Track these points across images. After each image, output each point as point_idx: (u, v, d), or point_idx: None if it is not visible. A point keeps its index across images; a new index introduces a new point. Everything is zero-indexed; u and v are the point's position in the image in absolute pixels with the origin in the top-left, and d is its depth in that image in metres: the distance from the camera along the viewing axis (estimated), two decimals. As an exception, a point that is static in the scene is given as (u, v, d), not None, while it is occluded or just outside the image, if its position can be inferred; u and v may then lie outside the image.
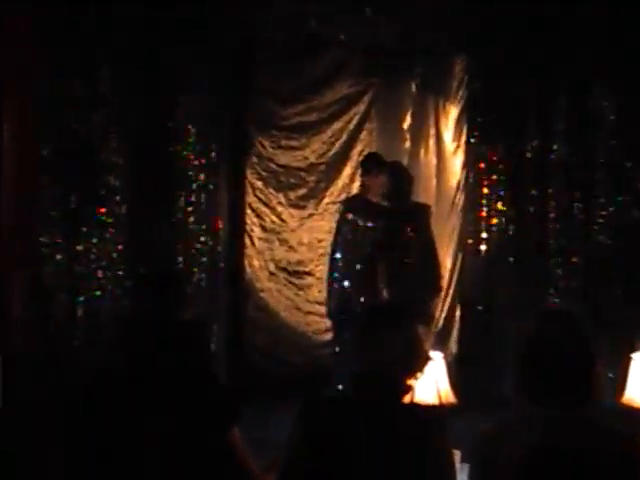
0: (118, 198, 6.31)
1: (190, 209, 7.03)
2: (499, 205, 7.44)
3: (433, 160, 8.00)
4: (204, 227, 7.15)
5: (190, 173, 7.04)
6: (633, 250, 7.07)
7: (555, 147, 7.25)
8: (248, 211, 7.96)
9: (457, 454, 3.36)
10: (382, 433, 2.78)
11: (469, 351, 7.45)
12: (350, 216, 6.72)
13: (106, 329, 5.93)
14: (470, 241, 7.59)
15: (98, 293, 6.14)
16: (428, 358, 3.04)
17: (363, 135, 8.09)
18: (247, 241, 7.98)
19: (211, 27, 6.77)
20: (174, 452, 3.18)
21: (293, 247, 8.05)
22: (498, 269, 7.41)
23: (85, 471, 3.23)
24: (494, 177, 7.43)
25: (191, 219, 7.04)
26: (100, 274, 6.18)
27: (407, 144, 8.04)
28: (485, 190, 7.47)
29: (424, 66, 7.93)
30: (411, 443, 2.78)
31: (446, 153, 7.96)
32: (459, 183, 7.82)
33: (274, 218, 8.01)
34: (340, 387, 6.20)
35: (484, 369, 6.93)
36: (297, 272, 8.06)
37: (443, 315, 7.76)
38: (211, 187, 7.24)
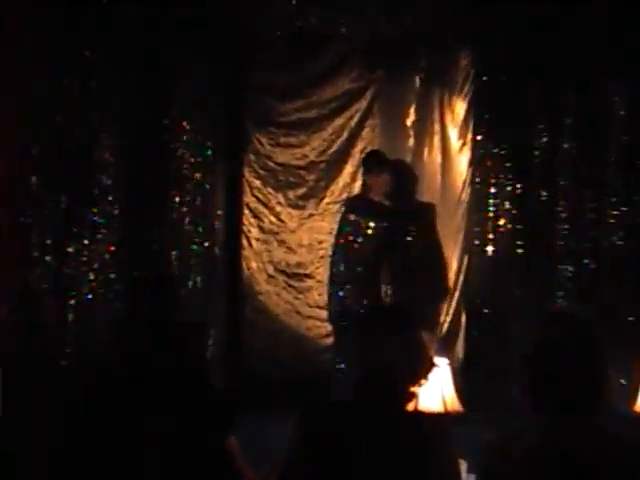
0: (110, 198, 6.32)
1: (185, 209, 7.04)
2: (506, 205, 7.43)
3: (438, 158, 7.99)
4: (200, 228, 7.15)
5: (185, 172, 7.05)
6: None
7: (565, 144, 7.25)
8: (246, 211, 7.96)
9: (463, 464, 3.36)
10: (384, 441, 2.79)
11: (475, 357, 7.44)
12: (352, 217, 6.72)
13: (98, 334, 5.93)
14: (476, 242, 7.59)
15: (89, 296, 6.14)
16: (432, 364, 3.04)
17: (365, 132, 8.09)
18: (245, 242, 7.98)
19: (208, 24, 6.80)
20: (172, 452, 3.20)
21: (292, 249, 8.05)
22: (505, 271, 7.40)
23: (82, 471, 3.25)
24: (501, 175, 7.42)
25: (186, 220, 7.05)
26: (92, 276, 6.18)
27: (411, 141, 8.03)
28: (492, 189, 7.46)
29: (428, 60, 7.92)
30: (414, 452, 2.78)
31: (451, 150, 7.95)
32: (465, 182, 7.81)
33: (272, 218, 8.01)
34: (341, 394, 6.20)
35: (491, 375, 6.93)
36: (296, 274, 8.06)
37: (448, 319, 7.75)
38: (207, 186, 7.26)
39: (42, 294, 5.91)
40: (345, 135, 8.07)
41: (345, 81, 8.03)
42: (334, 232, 7.08)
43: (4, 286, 5.61)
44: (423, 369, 2.95)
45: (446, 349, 7.18)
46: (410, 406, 2.92)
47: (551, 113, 7.29)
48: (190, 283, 7.05)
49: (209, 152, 7.26)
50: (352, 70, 8.01)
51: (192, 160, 7.08)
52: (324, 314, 7.21)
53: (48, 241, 5.97)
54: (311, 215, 8.05)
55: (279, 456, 2.98)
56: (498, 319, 7.38)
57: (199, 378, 3.37)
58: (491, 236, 7.50)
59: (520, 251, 7.38)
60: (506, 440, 2.67)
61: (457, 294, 7.79)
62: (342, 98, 8.05)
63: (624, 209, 7.13)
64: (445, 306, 7.58)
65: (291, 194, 8.04)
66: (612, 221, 7.15)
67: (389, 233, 6.65)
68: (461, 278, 7.77)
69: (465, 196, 7.81)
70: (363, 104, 8.08)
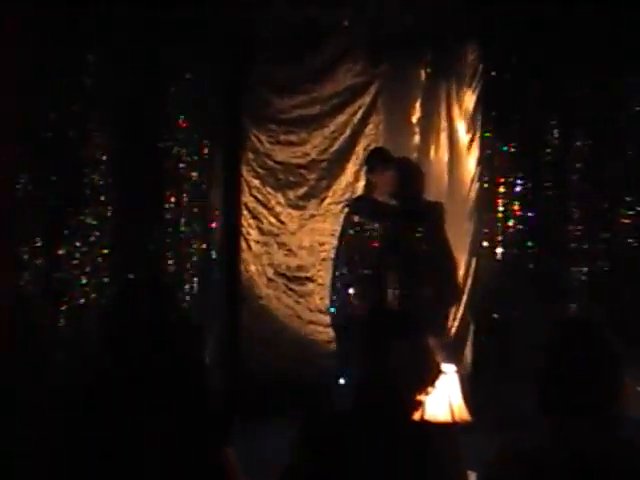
0: (103, 198, 6.33)
1: (181, 210, 7.04)
2: (516, 205, 7.43)
3: (445, 156, 7.98)
4: (196, 230, 7.15)
5: (181, 171, 7.05)
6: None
7: (578, 142, 7.24)
8: (244, 212, 7.96)
9: (472, 476, 3.36)
10: (389, 453, 2.79)
11: (484, 363, 7.43)
12: (355, 217, 6.72)
13: (90, 340, 5.93)
14: (485, 244, 7.58)
15: (82, 301, 6.15)
16: (439, 371, 3.04)
17: (368, 129, 8.08)
18: (243, 244, 7.98)
19: (204, 15, 6.82)
20: (167, 455, 3.21)
21: (293, 251, 8.05)
22: (515, 274, 7.40)
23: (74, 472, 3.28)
24: (511, 174, 7.42)
25: (182, 221, 7.05)
26: (84, 281, 6.18)
27: (416, 138, 8.02)
28: (501, 188, 7.46)
29: (435, 53, 7.92)
30: (420, 463, 2.78)
31: (459, 148, 7.94)
32: (473, 181, 7.81)
33: (272, 219, 8.01)
34: (343, 403, 6.19)
35: (500, 383, 6.92)
36: (297, 278, 8.06)
37: (456, 324, 7.75)
38: (204, 186, 7.25)
39: (32, 299, 5.91)
40: (348, 132, 8.07)
41: (347, 76, 8.03)
42: (336, 234, 7.07)
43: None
44: (430, 376, 2.95)
45: (454, 355, 7.17)
46: (416, 415, 2.92)
47: (563, 109, 7.29)
48: (187, 287, 7.05)
49: (206, 150, 7.25)
50: (355, 64, 8.01)
51: (188, 159, 7.08)
52: (326, 319, 7.21)
53: (38, 244, 5.96)
54: (312, 216, 8.05)
55: (280, 467, 2.99)
56: (508, 324, 7.38)
57: (195, 381, 3.39)
58: (500, 238, 7.50)
59: (530, 253, 7.38)
60: (517, 450, 2.67)
61: (465, 298, 7.78)
62: (344, 94, 8.05)
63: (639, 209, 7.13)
64: (453, 310, 7.58)
65: (291, 194, 8.03)
66: (627, 221, 7.15)
67: (395, 234, 6.64)
68: (469, 281, 7.77)
69: (473, 196, 7.80)
70: (366, 100, 8.07)
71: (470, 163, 7.88)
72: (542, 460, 2.56)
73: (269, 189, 8.01)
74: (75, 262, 6.16)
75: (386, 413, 2.87)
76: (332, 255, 7.15)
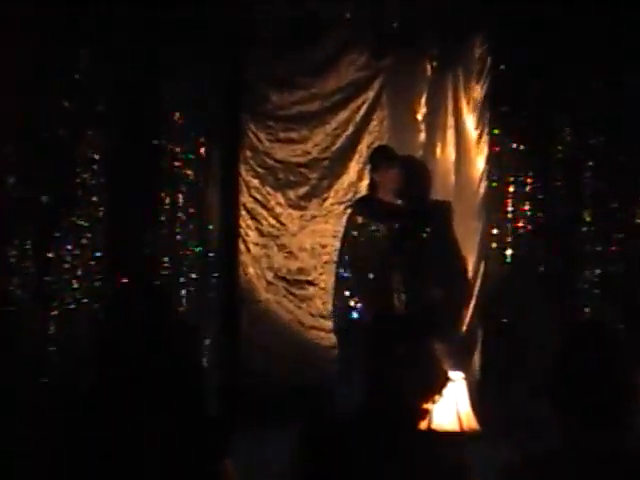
0: (95, 199, 6.33)
1: (177, 211, 7.04)
2: (526, 205, 7.43)
3: (451, 154, 7.98)
4: (193, 231, 7.15)
5: (176, 170, 7.05)
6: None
7: (591, 140, 7.24)
8: (242, 212, 7.97)
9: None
10: (393, 462, 2.79)
11: (493, 370, 7.43)
12: (359, 218, 6.73)
13: (82, 346, 5.94)
14: (494, 245, 7.58)
15: (73, 306, 6.15)
16: (447, 378, 3.05)
17: (372, 126, 8.09)
18: (242, 246, 7.98)
19: (200, 8, 6.85)
20: (168, 455, 3.24)
21: (293, 253, 8.05)
22: (525, 277, 7.40)
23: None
24: (521, 173, 7.42)
25: (178, 222, 7.05)
26: (75, 285, 6.19)
27: (422, 136, 8.02)
28: (510, 188, 7.47)
29: (441, 47, 7.91)
30: (426, 474, 2.79)
31: (467, 146, 7.94)
32: (481, 180, 7.81)
33: (272, 220, 8.02)
34: (346, 411, 6.20)
35: (510, 390, 6.93)
36: (298, 281, 8.06)
37: (464, 329, 7.74)
38: (200, 185, 7.25)
39: (21, 304, 5.92)
40: (350, 129, 8.07)
41: (350, 70, 8.03)
42: (339, 235, 7.08)
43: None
44: (437, 384, 2.96)
45: (462, 362, 7.18)
46: (422, 424, 2.93)
47: (575, 105, 7.29)
48: (183, 291, 7.05)
49: (202, 149, 7.25)
50: (357, 58, 8.01)
51: (184, 157, 7.08)
52: (328, 324, 7.22)
53: (27, 246, 5.97)
54: (314, 217, 8.05)
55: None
56: (518, 329, 7.38)
57: (191, 382, 3.41)
58: (509, 239, 7.50)
59: (541, 255, 7.38)
60: (530, 464, 2.67)
61: (473, 302, 7.79)
62: (347, 89, 8.06)
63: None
64: (462, 315, 7.58)
65: (292, 194, 8.04)
66: (641, 222, 7.16)
67: (401, 235, 6.65)
68: (477, 284, 7.77)
69: (481, 195, 7.80)
70: (370, 95, 8.08)
71: (478, 161, 7.87)
72: (552, 463, 2.57)
73: (268, 189, 8.01)
74: (66, 265, 6.16)
75: (391, 422, 2.88)
76: (334, 258, 7.17)
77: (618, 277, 7.22)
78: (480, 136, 7.84)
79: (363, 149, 8.00)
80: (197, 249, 7.22)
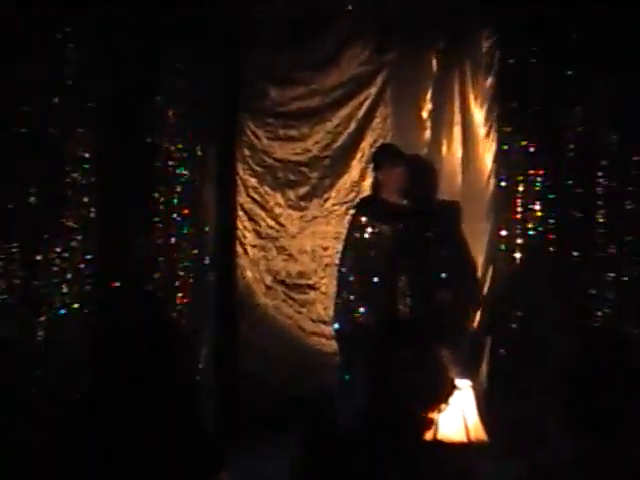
0: (86, 199, 6.32)
1: (171, 211, 7.03)
2: (536, 205, 7.42)
3: (458, 152, 7.99)
4: (188, 233, 7.15)
5: (171, 169, 7.05)
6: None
7: (605, 137, 7.23)
8: (240, 213, 7.98)
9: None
10: (398, 474, 2.78)
11: (502, 378, 7.42)
12: (363, 220, 6.71)
13: (72, 353, 5.93)
14: (502, 248, 7.58)
15: (63, 312, 6.14)
16: (454, 387, 3.04)
17: (375, 123, 8.09)
18: (239, 249, 7.99)
19: (199, 10, 6.90)
20: (170, 454, 3.26)
21: (293, 256, 8.06)
22: (536, 280, 7.39)
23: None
24: (531, 171, 7.42)
25: (172, 223, 7.04)
26: (65, 289, 6.18)
27: (427, 133, 8.03)
28: (520, 187, 7.46)
29: (448, 39, 7.92)
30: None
31: (474, 144, 7.95)
32: (489, 179, 7.81)
33: (270, 221, 8.02)
34: (349, 421, 6.19)
35: (519, 400, 6.92)
36: (298, 285, 8.07)
37: (471, 335, 7.73)
38: (196, 185, 7.25)
39: (7, 309, 5.90)
40: (352, 126, 8.08)
41: (352, 64, 8.04)
42: (340, 237, 7.08)
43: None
44: (443, 392, 2.95)
45: (469, 370, 7.17)
46: (428, 434, 2.92)
47: (588, 101, 7.27)
48: (177, 295, 7.05)
49: (198, 147, 7.25)
50: (360, 52, 8.03)
51: (178, 156, 7.07)
52: (330, 330, 7.20)
53: (14, 249, 5.96)
54: (314, 218, 8.05)
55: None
56: (528, 335, 7.37)
57: (185, 392, 3.43)
58: (519, 241, 7.49)
59: (552, 258, 7.37)
60: (539, 477, 2.67)
61: (481, 306, 7.77)
62: (349, 84, 8.06)
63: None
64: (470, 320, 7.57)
65: (291, 194, 8.04)
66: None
67: (406, 237, 6.64)
68: (485, 288, 7.76)
69: (489, 195, 7.80)
70: (373, 91, 8.09)
71: (486, 159, 7.88)
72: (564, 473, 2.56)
73: (267, 189, 8.02)
74: (55, 269, 6.14)
75: (395, 433, 2.87)
76: (336, 260, 7.17)
77: (633, 280, 7.20)
78: (488, 133, 7.86)
79: (366, 147, 8.01)
80: (192, 252, 7.20)
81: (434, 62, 8.01)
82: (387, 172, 6.76)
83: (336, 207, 8.00)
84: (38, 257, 6.08)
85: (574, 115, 7.29)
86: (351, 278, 6.71)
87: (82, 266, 6.27)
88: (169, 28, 6.77)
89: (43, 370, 5.95)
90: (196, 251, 7.25)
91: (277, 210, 8.03)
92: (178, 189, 7.10)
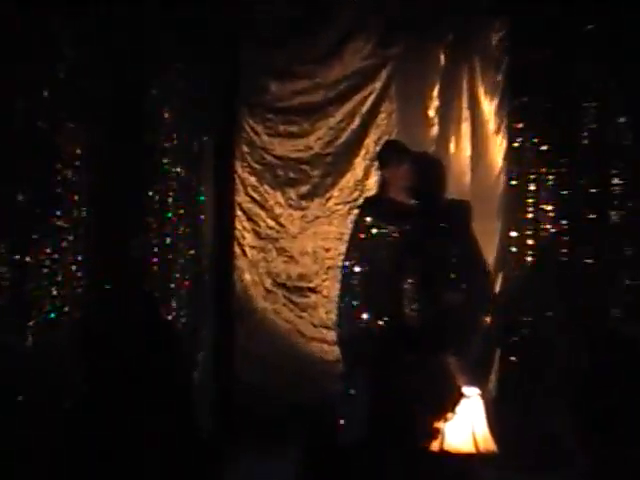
0: (77, 198, 6.31)
1: (166, 211, 7.04)
2: (549, 205, 7.42)
3: (467, 149, 7.99)
4: (184, 233, 7.15)
5: (167, 167, 7.05)
6: None
7: (620, 134, 7.22)
8: (238, 213, 7.98)
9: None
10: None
11: (512, 386, 7.42)
12: (368, 220, 6.70)
13: (62, 358, 5.93)
14: (513, 249, 7.57)
15: (53, 315, 6.14)
16: (461, 394, 3.03)
17: (380, 119, 8.09)
18: (237, 250, 7.98)
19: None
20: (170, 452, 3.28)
21: (294, 258, 8.06)
22: (548, 283, 7.38)
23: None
24: (543, 170, 7.41)
25: (168, 223, 7.04)
26: (55, 292, 6.18)
27: (434, 130, 8.03)
28: (531, 186, 7.46)
29: (456, 32, 7.91)
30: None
31: (483, 141, 7.95)
32: (499, 177, 7.80)
33: (270, 222, 8.02)
34: (352, 431, 6.17)
35: (530, 409, 6.91)
36: (299, 289, 8.06)
37: (480, 341, 7.72)
38: (193, 184, 7.25)
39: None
40: (356, 122, 8.08)
41: (356, 58, 8.04)
42: (343, 238, 7.08)
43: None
44: (450, 400, 2.94)
45: (477, 377, 7.15)
46: (434, 445, 2.91)
47: (602, 95, 7.26)
48: (173, 299, 7.05)
49: (195, 144, 7.25)
50: (364, 45, 8.02)
51: (174, 153, 7.08)
52: (332, 336, 7.19)
53: (2, 250, 5.96)
54: (316, 218, 8.05)
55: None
56: (539, 341, 7.36)
57: (179, 400, 3.44)
58: (530, 242, 7.48)
59: (565, 260, 7.36)
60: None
61: (491, 311, 7.76)
62: (353, 78, 8.06)
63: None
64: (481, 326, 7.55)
65: (292, 193, 8.04)
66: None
67: (414, 238, 6.62)
68: (495, 292, 7.75)
69: (499, 194, 7.80)
70: (378, 85, 8.09)
71: (496, 157, 7.88)
72: None
73: (267, 187, 8.01)
74: (45, 271, 6.14)
75: (400, 443, 2.86)
76: (339, 262, 7.14)
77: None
78: (498, 130, 7.86)
79: (370, 144, 8.00)
80: (188, 253, 7.20)
81: (441, 55, 8.00)
82: (393, 170, 6.74)
83: (339, 207, 8.00)
84: (27, 258, 6.08)
85: (588, 111, 7.29)
86: (355, 281, 6.69)
87: (73, 268, 6.27)
88: (169, 28, 6.80)
89: (32, 375, 5.95)
90: (192, 252, 7.26)
91: (277, 210, 8.03)
92: (174, 187, 7.10)
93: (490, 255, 7.70)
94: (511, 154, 7.69)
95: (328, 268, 7.93)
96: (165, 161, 7.03)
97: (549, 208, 7.43)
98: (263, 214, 8.01)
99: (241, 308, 7.97)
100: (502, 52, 7.81)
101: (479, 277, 6.79)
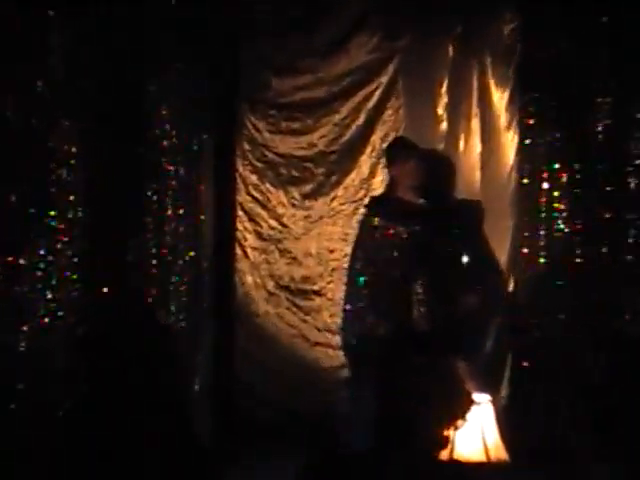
0: (72, 198, 6.32)
1: (165, 211, 7.04)
2: (562, 204, 7.42)
3: (477, 146, 7.99)
4: (183, 234, 7.15)
5: (165, 165, 7.05)
6: None
7: (636, 129, 7.22)
8: (239, 213, 7.99)
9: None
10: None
11: (524, 393, 7.41)
12: (375, 220, 6.70)
13: (56, 363, 5.94)
14: (525, 250, 7.57)
15: (47, 320, 6.14)
16: (471, 401, 3.02)
17: (386, 115, 8.10)
18: (238, 252, 7.99)
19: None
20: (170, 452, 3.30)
21: (297, 259, 8.06)
22: (561, 286, 7.38)
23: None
24: (556, 167, 7.41)
25: (166, 224, 7.05)
26: (49, 295, 6.18)
27: (443, 126, 8.03)
28: (544, 184, 7.46)
29: (465, 24, 7.91)
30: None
31: (494, 137, 7.95)
32: (510, 175, 7.81)
33: (273, 222, 8.03)
34: (358, 440, 6.18)
35: (542, 416, 6.91)
36: (303, 291, 8.07)
37: (491, 346, 7.72)
38: (192, 183, 7.25)
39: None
40: (362, 119, 8.09)
41: (361, 51, 8.05)
42: (349, 239, 7.09)
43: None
44: (459, 407, 2.94)
45: (488, 383, 7.15)
46: (444, 453, 2.91)
47: (618, 90, 7.26)
48: (171, 302, 7.05)
49: (194, 141, 7.26)
50: (370, 37, 8.02)
51: (173, 151, 7.08)
52: (337, 340, 7.19)
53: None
54: (320, 218, 8.06)
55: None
56: (552, 345, 7.36)
57: (176, 405, 3.48)
58: (543, 243, 7.49)
59: (579, 261, 7.36)
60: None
61: (502, 315, 7.77)
62: (358, 72, 8.07)
63: None
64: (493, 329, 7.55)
65: (295, 192, 8.05)
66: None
67: (422, 239, 6.62)
68: (507, 295, 7.75)
69: (510, 193, 7.80)
70: (384, 80, 8.09)
71: (507, 154, 7.88)
72: None
73: (269, 186, 8.02)
74: (39, 273, 6.15)
75: (409, 451, 2.86)
76: (344, 264, 7.16)
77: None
78: (509, 126, 7.86)
79: (376, 141, 8.01)
80: (188, 254, 7.21)
81: (450, 48, 8.00)
82: (400, 168, 6.75)
83: (344, 206, 8.00)
84: (20, 261, 6.09)
85: (603, 106, 7.28)
86: (361, 283, 6.70)
87: (68, 271, 6.27)
88: (169, 28, 6.84)
89: (25, 382, 5.96)
90: (192, 254, 7.26)
91: (280, 210, 8.03)
92: (173, 187, 7.10)
93: (501, 256, 7.71)
94: (523, 151, 7.70)
95: (333, 270, 7.93)
96: (164, 159, 7.04)
97: (562, 207, 7.43)
98: (265, 214, 8.01)
99: (242, 312, 7.99)
100: (513, 45, 7.81)
101: (491, 279, 6.79)
